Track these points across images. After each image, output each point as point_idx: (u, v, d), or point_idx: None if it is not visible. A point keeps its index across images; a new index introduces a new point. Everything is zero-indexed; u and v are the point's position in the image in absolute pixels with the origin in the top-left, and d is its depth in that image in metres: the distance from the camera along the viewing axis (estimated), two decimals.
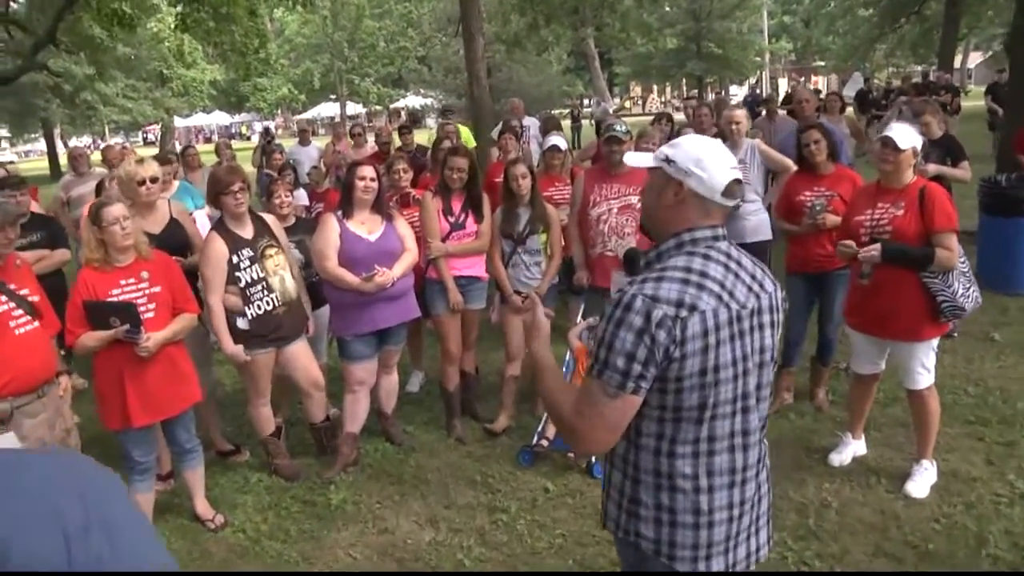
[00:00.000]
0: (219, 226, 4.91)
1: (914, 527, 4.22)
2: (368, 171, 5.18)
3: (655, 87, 59.96)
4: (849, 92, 19.23)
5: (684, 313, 2.01)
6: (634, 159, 2.39)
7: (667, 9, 39.57)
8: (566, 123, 24.84)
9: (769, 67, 54.37)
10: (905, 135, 4.28)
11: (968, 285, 4.34)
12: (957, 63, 36.54)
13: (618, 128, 5.52)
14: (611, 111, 34.22)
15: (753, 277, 2.20)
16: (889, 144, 4.30)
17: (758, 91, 41.37)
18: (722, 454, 2.16)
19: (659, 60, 45.02)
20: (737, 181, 2.15)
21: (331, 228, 5.07)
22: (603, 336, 2.07)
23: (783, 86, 50.38)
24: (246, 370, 4.99)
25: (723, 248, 2.18)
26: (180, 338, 4.35)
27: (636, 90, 63.41)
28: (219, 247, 4.78)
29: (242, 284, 4.78)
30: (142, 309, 4.09)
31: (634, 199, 5.38)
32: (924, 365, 4.49)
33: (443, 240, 5.49)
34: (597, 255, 5.49)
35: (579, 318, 5.61)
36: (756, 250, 6.49)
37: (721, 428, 2.14)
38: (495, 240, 5.60)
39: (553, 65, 36.47)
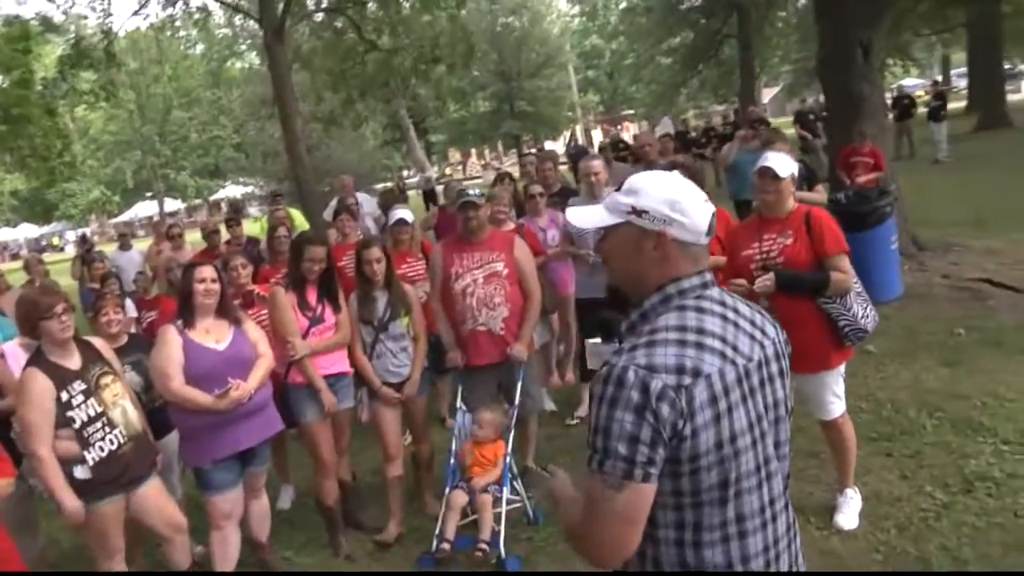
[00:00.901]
0: (37, 359, 4.12)
1: (857, 561, 4.13)
2: (207, 272, 4.60)
3: (473, 151, 60.77)
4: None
5: (687, 380, 1.71)
6: (585, 219, 2.05)
7: (476, 73, 40.22)
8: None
9: (581, 119, 56.09)
10: (782, 163, 4.19)
11: (865, 305, 4.29)
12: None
13: (472, 192, 5.22)
14: (433, 178, 34.37)
15: (753, 324, 1.93)
16: (768, 174, 4.19)
17: (579, 142, 42.47)
18: (755, 534, 1.85)
19: (474, 124, 45.80)
20: (714, 214, 1.92)
21: (172, 342, 4.44)
22: (596, 421, 1.75)
23: (596, 137, 52.24)
24: (91, 528, 4.15)
25: (715, 296, 1.91)
26: None
27: (455, 156, 64.08)
28: (42, 384, 3.99)
29: (77, 425, 4.01)
30: None
31: (499, 266, 5.11)
32: (835, 393, 4.40)
33: (303, 337, 4.96)
34: (468, 331, 5.13)
35: (459, 400, 5.24)
36: (626, 301, 6.30)
37: (749, 504, 1.84)
38: (354, 330, 5.13)
39: (370, 140, 36.26)
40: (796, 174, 4.33)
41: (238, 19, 26.78)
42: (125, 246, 11.53)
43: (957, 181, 15.88)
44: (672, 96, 39.94)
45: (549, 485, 2.08)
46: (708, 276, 1.93)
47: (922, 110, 22.50)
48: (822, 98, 33.05)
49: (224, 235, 9.30)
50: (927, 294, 8.27)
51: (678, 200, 1.86)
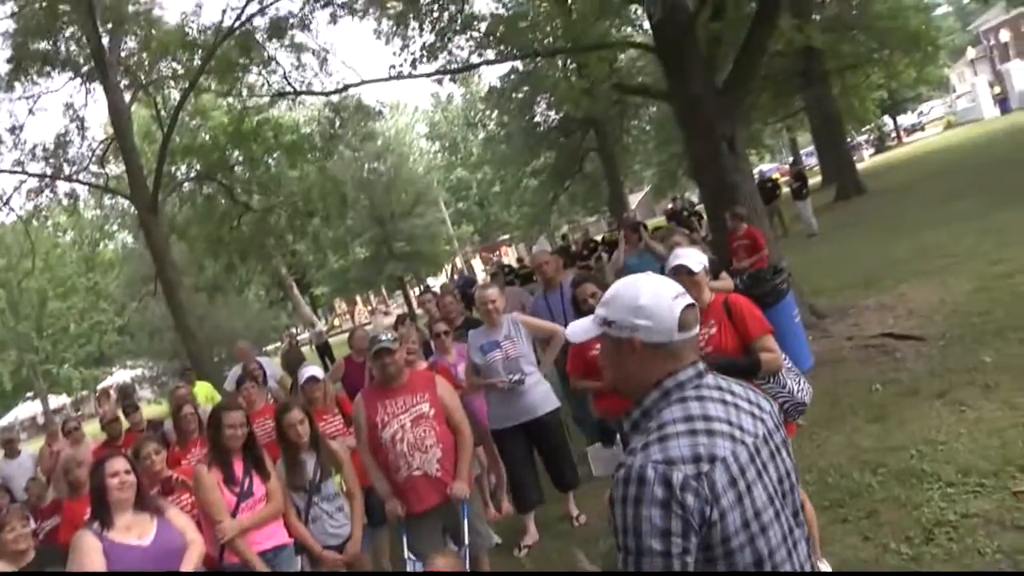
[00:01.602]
0: None
1: None
2: (119, 463, 4.30)
3: (358, 298, 60.56)
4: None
5: (705, 467, 1.77)
6: (579, 332, 2.12)
7: (351, 222, 40.48)
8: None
9: (459, 252, 56.86)
10: (694, 258, 4.26)
11: (797, 379, 4.33)
12: None
13: (385, 338, 5.07)
14: (324, 332, 34.03)
15: (749, 402, 2.00)
16: (683, 271, 4.24)
17: (464, 273, 42.92)
18: None
19: (356, 271, 45.69)
20: (691, 306, 1.97)
21: (90, 548, 4.05)
22: (623, 522, 1.78)
23: (477, 266, 52.98)
24: None
25: (711, 383, 1.97)
26: None
27: (341, 306, 63.74)
28: None
29: None
30: None
31: (425, 407, 4.98)
32: None
33: (233, 516, 4.68)
34: (405, 478, 4.92)
35: (405, 551, 4.98)
36: (550, 421, 6.23)
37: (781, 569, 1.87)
38: (286, 497, 4.87)
39: (255, 303, 35.85)
40: (707, 266, 4.40)
41: (107, 199, 26.36)
42: (12, 453, 10.75)
43: (834, 249, 16.69)
44: (545, 215, 40.89)
45: None
46: (701, 366, 1.98)
47: (785, 190, 23.69)
48: (688, 195, 34.65)
49: (125, 423, 8.85)
50: (837, 358, 8.48)
51: (641, 305, 1.93)
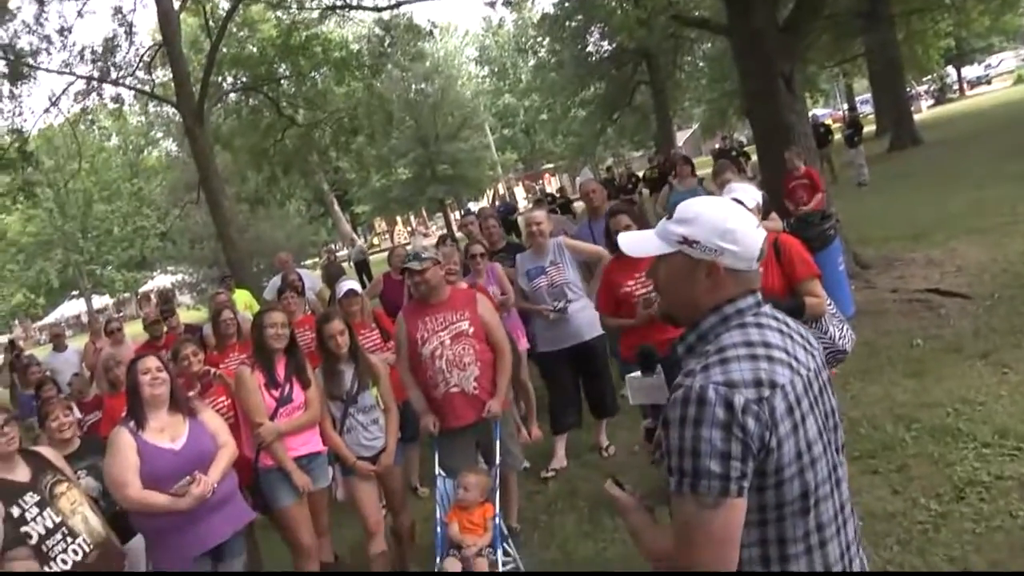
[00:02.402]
0: None
1: None
2: (151, 362, 4.39)
3: (398, 218, 60.62)
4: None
5: (766, 392, 1.72)
6: (637, 246, 2.03)
7: (395, 141, 40.32)
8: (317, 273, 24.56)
9: (502, 178, 56.55)
10: (749, 194, 4.16)
11: (841, 325, 4.26)
12: None
13: (415, 258, 4.99)
14: (366, 249, 34.19)
15: (802, 336, 1.96)
16: None
17: (506, 200, 42.74)
18: (833, 541, 1.86)
19: (397, 191, 45.58)
20: (766, 239, 1.93)
21: (125, 446, 4.17)
22: (680, 443, 1.73)
23: (519, 194, 52.67)
24: None
25: (768, 312, 1.94)
26: None
27: (381, 225, 63.85)
28: None
29: (34, 539, 3.71)
30: None
31: (464, 324, 4.96)
32: None
33: (271, 419, 4.76)
34: (443, 395, 4.94)
35: (436, 467, 5.02)
36: (596, 346, 6.22)
37: (826, 512, 1.85)
38: (323, 406, 4.93)
39: (295, 217, 36.02)
40: (761, 203, 4.30)
41: (153, 106, 26.44)
42: (60, 347, 11.06)
43: (883, 200, 16.34)
44: (590, 146, 40.61)
45: (617, 499, 2.09)
46: (760, 295, 1.94)
47: (837, 137, 23.17)
48: (737, 135, 33.98)
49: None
50: (879, 310, 8.35)
51: (731, 229, 1.85)
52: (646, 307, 4.97)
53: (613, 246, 5.40)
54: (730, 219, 1.87)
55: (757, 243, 1.88)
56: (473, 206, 44.68)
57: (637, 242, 2.06)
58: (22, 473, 3.92)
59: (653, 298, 4.94)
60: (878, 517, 4.55)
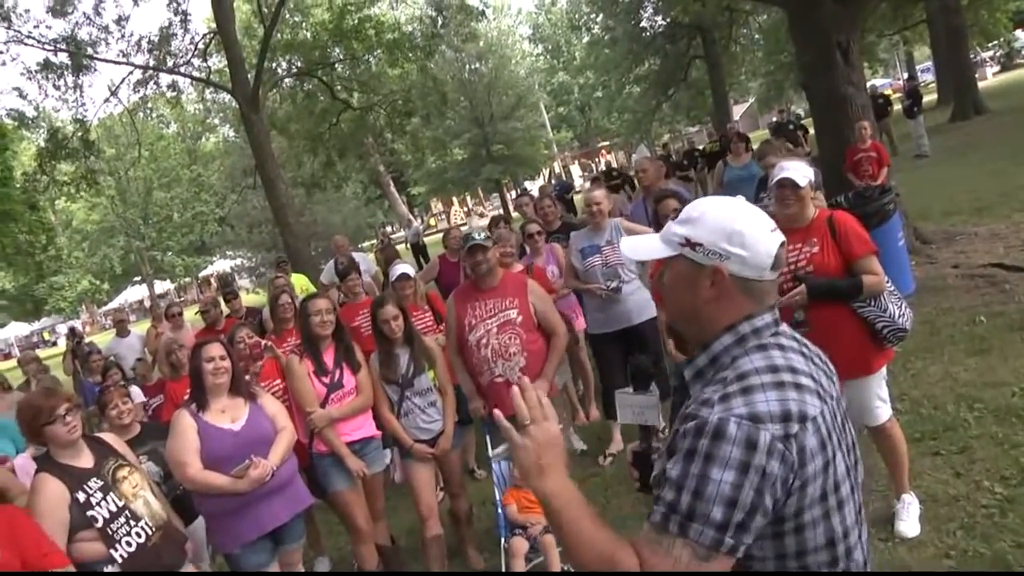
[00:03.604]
0: (47, 463, 3.89)
1: (931, 570, 3.93)
2: (216, 349, 4.44)
3: (454, 199, 60.83)
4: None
5: (795, 428, 1.50)
6: (639, 250, 1.89)
7: (450, 122, 40.43)
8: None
9: (558, 156, 56.38)
10: (800, 171, 4.06)
11: (899, 303, 4.16)
12: None
13: (479, 236, 5.02)
14: (421, 230, 34.38)
15: (820, 358, 1.76)
16: (787, 184, 4.06)
17: (563, 179, 42.61)
18: None
19: (453, 172, 45.76)
20: (783, 244, 1.70)
21: (186, 427, 4.26)
22: (683, 479, 1.51)
23: (575, 172, 52.42)
24: None
25: (788, 332, 1.72)
26: None
27: (437, 206, 64.11)
28: (55, 490, 3.74)
29: (99, 523, 3.78)
30: None
31: (512, 313, 4.93)
32: (880, 397, 4.26)
33: (322, 406, 4.80)
34: (488, 383, 4.95)
35: (489, 450, 5.03)
36: (647, 330, 6.16)
37: (856, 561, 1.65)
38: (378, 390, 4.96)
39: (352, 200, 36.34)
40: (813, 180, 4.20)
41: (209, 93, 26.84)
42: (123, 332, 11.29)
43: (944, 172, 15.92)
44: (646, 123, 40.27)
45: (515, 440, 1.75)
46: (777, 312, 1.74)
47: (896, 107, 22.61)
48: (794, 108, 33.32)
49: (224, 309, 9.12)
50: (941, 286, 8.14)
51: (738, 231, 1.65)
52: None
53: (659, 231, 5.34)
54: (739, 220, 1.67)
55: (770, 249, 1.66)
56: (530, 185, 44.69)
57: (639, 246, 1.90)
58: (86, 459, 4.00)
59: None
60: (940, 501, 4.43)
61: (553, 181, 40.04)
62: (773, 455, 1.47)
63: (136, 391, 7.15)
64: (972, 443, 4.95)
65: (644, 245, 1.87)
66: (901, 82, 35.41)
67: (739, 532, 1.48)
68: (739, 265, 1.65)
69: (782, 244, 1.69)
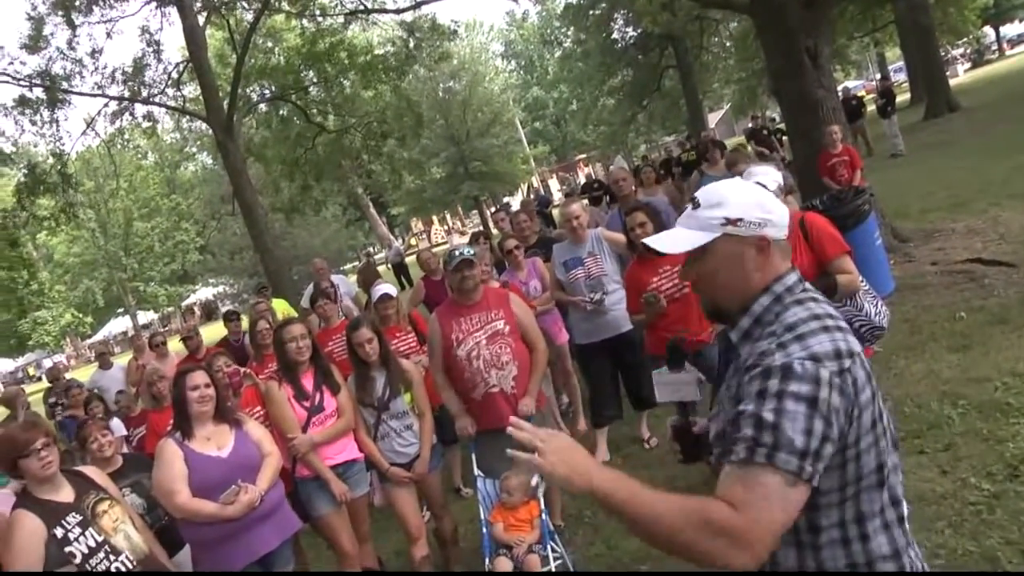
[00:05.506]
0: (24, 499, 3.82)
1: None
2: (200, 377, 4.41)
3: (434, 217, 60.86)
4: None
5: (847, 363, 1.68)
6: (675, 244, 1.92)
7: (426, 141, 40.46)
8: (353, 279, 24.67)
9: (536, 171, 56.52)
10: (769, 176, 4.09)
11: (875, 302, 4.17)
12: None
13: (466, 251, 4.98)
14: (403, 250, 34.34)
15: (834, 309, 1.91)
16: None
17: (540, 192, 42.65)
18: (903, 523, 1.82)
19: (432, 191, 45.81)
20: None
21: (173, 456, 4.22)
22: (760, 414, 1.65)
23: (553, 186, 52.56)
24: None
25: (810, 287, 1.90)
26: None
27: (417, 225, 64.08)
28: (29, 526, 3.66)
29: (78, 559, 3.72)
30: None
31: (500, 324, 4.91)
32: None
33: (304, 430, 4.77)
34: (483, 395, 4.90)
35: (475, 468, 5.01)
36: (632, 339, 6.15)
37: (896, 484, 1.81)
38: (356, 413, 4.93)
39: (332, 223, 36.30)
40: (782, 184, 4.23)
41: (185, 122, 26.82)
42: (105, 365, 11.22)
43: (920, 170, 16.04)
44: (622, 134, 40.45)
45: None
46: (797, 268, 1.91)
47: (870, 108, 22.78)
48: (769, 113, 33.62)
49: (203, 338, 9.05)
50: (920, 284, 8.18)
51: (762, 200, 1.85)
52: (650, 305, 4.96)
53: (631, 244, 5.37)
54: (756, 191, 1.88)
55: (785, 210, 1.88)
56: (510, 200, 44.74)
57: (674, 240, 1.95)
58: (66, 494, 3.94)
59: (653, 300, 4.96)
60: (926, 500, 4.41)
61: (532, 196, 40.18)
62: (834, 388, 1.64)
63: (117, 424, 7.08)
64: (957, 440, 4.95)
65: (682, 237, 1.92)
66: (874, 83, 35.76)
67: (816, 460, 1.62)
68: (775, 229, 1.84)
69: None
